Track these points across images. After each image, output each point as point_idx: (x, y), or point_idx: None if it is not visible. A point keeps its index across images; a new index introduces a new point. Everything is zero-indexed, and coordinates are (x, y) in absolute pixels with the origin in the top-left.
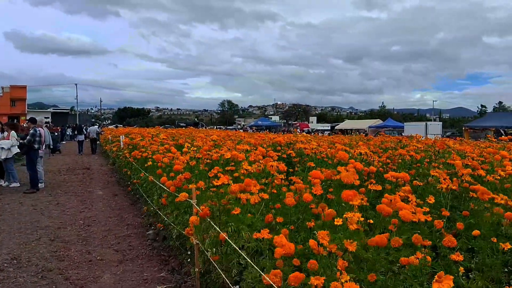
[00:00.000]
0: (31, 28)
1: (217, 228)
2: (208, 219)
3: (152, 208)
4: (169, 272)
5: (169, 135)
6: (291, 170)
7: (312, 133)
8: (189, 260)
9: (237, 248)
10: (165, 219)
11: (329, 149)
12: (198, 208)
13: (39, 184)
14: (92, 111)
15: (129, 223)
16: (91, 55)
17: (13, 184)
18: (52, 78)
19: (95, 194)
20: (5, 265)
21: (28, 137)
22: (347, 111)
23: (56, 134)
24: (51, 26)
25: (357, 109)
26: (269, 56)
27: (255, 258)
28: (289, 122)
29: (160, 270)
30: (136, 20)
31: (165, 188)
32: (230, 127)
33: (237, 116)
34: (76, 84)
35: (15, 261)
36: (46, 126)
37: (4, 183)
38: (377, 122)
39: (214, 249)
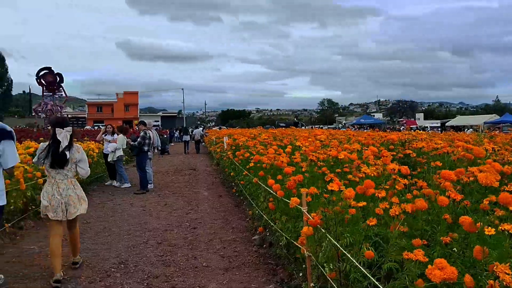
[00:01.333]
0: (140, 37)
1: (333, 240)
2: (323, 230)
3: (257, 212)
4: (278, 284)
5: (271, 135)
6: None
7: (421, 131)
8: (300, 274)
9: (366, 272)
10: (272, 224)
11: (449, 147)
12: (309, 216)
13: (149, 185)
14: (198, 113)
15: (234, 226)
16: (196, 60)
17: (125, 185)
18: (161, 83)
19: (200, 195)
20: (113, 270)
21: (138, 139)
22: (457, 107)
23: (165, 136)
24: (158, 34)
25: (467, 104)
26: (369, 52)
27: (388, 281)
28: (394, 120)
29: (268, 282)
30: (237, 24)
31: (272, 191)
32: (331, 126)
33: (337, 115)
34: (182, 89)
35: (122, 265)
36: (155, 128)
37: (117, 183)
38: (493, 117)
39: (331, 264)
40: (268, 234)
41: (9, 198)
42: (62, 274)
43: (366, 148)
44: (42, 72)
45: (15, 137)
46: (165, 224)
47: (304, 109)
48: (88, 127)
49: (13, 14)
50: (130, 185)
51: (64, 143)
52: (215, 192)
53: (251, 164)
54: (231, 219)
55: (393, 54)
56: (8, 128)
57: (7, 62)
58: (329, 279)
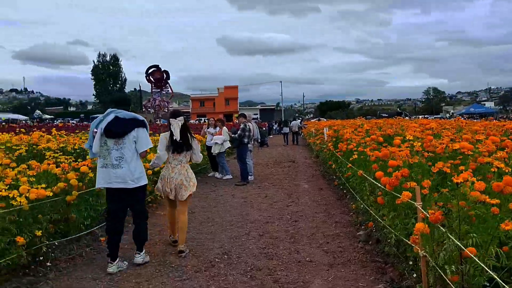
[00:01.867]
0: (239, 32)
1: (456, 241)
2: (442, 228)
3: (362, 206)
4: (388, 284)
5: (374, 125)
6: None
7: None
8: (414, 274)
9: (495, 276)
10: (379, 220)
11: None
12: (425, 212)
13: (249, 177)
14: (296, 106)
15: (337, 220)
16: (294, 52)
17: (227, 177)
18: (259, 77)
19: (301, 188)
20: (217, 260)
21: (239, 131)
22: None
23: (264, 129)
24: (256, 29)
25: None
26: (477, 37)
27: None
28: (507, 108)
29: (377, 281)
30: (335, 14)
31: (379, 185)
32: (437, 116)
33: (444, 104)
34: (280, 82)
35: (225, 256)
36: (254, 121)
37: (219, 175)
38: None
39: (452, 266)
40: (374, 230)
41: None
42: (184, 246)
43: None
44: (150, 70)
45: (147, 126)
46: (266, 216)
47: (407, 99)
48: (192, 121)
49: (124, 20)
50: (231, 177)
51: (176, 132)
52: (315, 185)
53: (355, 156)
54: (333, 212)
55: (504, 38)
56: (141, 117)
57: (120, 62)
58: (449, 282)
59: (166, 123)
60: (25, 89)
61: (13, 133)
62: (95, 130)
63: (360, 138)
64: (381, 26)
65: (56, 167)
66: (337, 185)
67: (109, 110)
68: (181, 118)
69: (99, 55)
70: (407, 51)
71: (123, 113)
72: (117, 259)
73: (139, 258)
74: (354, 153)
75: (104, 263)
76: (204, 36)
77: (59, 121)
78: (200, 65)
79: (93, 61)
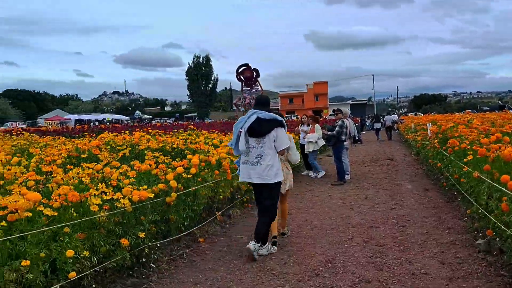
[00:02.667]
0: (327, 27)
1: None
2: None
3: (479, 211)
4: None
5: (484, 120)
6: None
7: None
8: None
9: None
10: (504, 229)
11: None
12: None
13: (346, 176)
14: (388, 100)
15: (450, 226)
16: (385, 45)
17: (320, 174)
18: (349, 71)
19: (403, 188)
20: (320, 268)
21: (337, 128)
22: None
23: (356, 125)
24: (345, 22)
25: None
26: None
27: None
28: None
29: None
30: (428, 3)
31: (504, 189)
32: None
33: None
34: (372, 75)
35: (329, 264)
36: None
37: (313, 174)
38: None
39: None
40: (495, 238)
41: (218, 187)
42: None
43: None
44: (241, 69)
45: (285, 125)
46: (369, 220)
47: (509, 91)
48: None
49: (215, 21)
50: (324, 172)
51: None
52: (419, 185)
53: (469, 157)
54: (444, 217)
55: None
56: (279, 118)
57: (211, 62)
58: None
59: None
60: (126, 91)
61: (116, 133)
62: (240, 130)
63: (474, 135)
64: (478, 13)
65: (156, 167)
66: (445, 186)
67: (252, 111)
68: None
69: (194, 57)
70: (508, 40)
71: (264, 114)
72: (267, 243)
73: (264, 250)
74: (469, 152)
75: (205, 266)
76: (292, 31)
77: (156, 120)
78: (288, 62)
79: (188, 63)
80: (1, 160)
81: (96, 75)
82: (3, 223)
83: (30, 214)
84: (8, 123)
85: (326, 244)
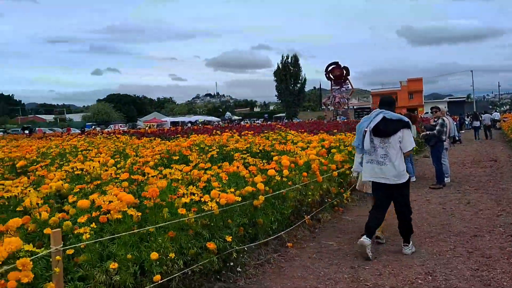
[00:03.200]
0: (421, 21)
1: None
2: None
3: None
4: None
5: None
6: None
7: None
8: None
9: None
10: None
11: None
12: None
13: (445, 179)
14: (489, 97)
15: None
16: (484, 38)
17: (412, 179)
18: (445, 67)
19: (510, 192)
20: (419, 281)
21: (437, 127)
22: None
23: (455, 123)
24: (439, 15)
25: None
26: None
27: None
28: None
29: None
30: None
31: None
32: None
33: None
34: (471, 71)
35: (430, 277)
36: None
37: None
38: None
39: None
40: None
41: (306, 190)
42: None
43: None
44: (330, 67)
45: (411, 127)
46: (473, 228)
47: None
48: None
49: (302, 19)
50: (414, 179)
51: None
52: None
53: None
54: None
55: None
56: (405, 119)
57: (299, 62)
58: None
59: (346, 120)
60: (217, 93)
61: (206, 134)
62: (366, 129)
63: None
64: None
65: (246, 168)
66: None
67: (377, 110)
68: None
69: (282, 57)
70: None
71: (390, 114)
72: (410, 243)
73: (407, 250)
74: None
75: (293, 273)
76: (383, 27)
77: (246, 121)
78: (380, 58)
79: (277, 64)
80: (99, 161)
81: (190, 79)
82: (93, 224)
83: (120, 216)
84: (111, 125)
85: (425, 254)
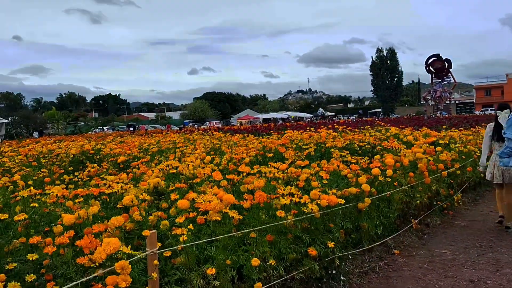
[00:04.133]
0: None
1: None
2: None
3: None
4: None
5: None
6: None
7: None
8: None
9: None
10: None
11: None
12: None
13: None
14: None
15: None
16: None
17: None
18: None
19: None
20: None
21: None
22: None
23: None
24: None
25: None
26: None
27: None
28: None
29: None
30: None
31: None
32: None
33: None
34: None
35: None
36: None
37: None
38: None
39: None
40: None
41: (414, 192)
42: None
43: None
44: (430, 60)
45: None
46: None
47: None
48: (476, 112)
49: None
50: None
51: (503, 122)
52: None
53: None
54: None
55: None
56: None
57: (396, 55)
58: None
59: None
60: (309, 90)
61: (302, 130)
62: None
63: None
64: None
65: (347, 167)
66: None
67: None
68: (507, 110)
69: (377, 50)
70: None
71: None
72: None
73: None
74: None
75: (403, 285)
76: (484, 17)
77: (339, 117)
78: (483, 50)
79: (372, 57)
80: (192, 162)
81: (281, 75)
82: (190, 226)
83: (219, 218)
84: (207, 122)
85: None
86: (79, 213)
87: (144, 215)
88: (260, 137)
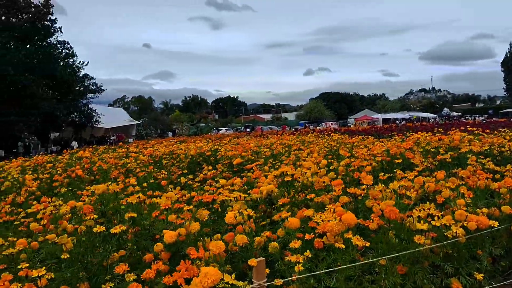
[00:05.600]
0: None
1: None
2: None
3: None
4: None
5: None
6: None
7: None
8: None
9: None
10: None
11: None
12: None
13: None
14: None
15: None
16: None
17: None
18: None
19: None
20: None
21: None
22: None
23: None
24: None
25: None
26: None
27: None
28: None
29: None
30: None
31: None
32: None
33: None
34: None
35: None
36: None
37: None
38: None
39: None
40: None
41: None
42: None
43: None
44: None
45: None
46: None
47: None
48: None
49: None
50: None
51: None
52: None
53: None
54: None
55: None
56: None
57: None
58: None
59: None
60: (433, 88)
61: (430, 132)
62: None
63: None
64: None
65: (493, 180)
66: None
67: None
68: None
69: (510, 45)
70: None
71: None
72: None
73: None
74: None
75: None
76: None
77: (467, 117)
78: None
79: (506, 53)
80: (310, 168)
81: (401, 74)
82: (308, 253)
83: (343, 246)
84: (323, 123)
85: None
86: (180, 231)
87: (249, 231)
88: (382, 139)
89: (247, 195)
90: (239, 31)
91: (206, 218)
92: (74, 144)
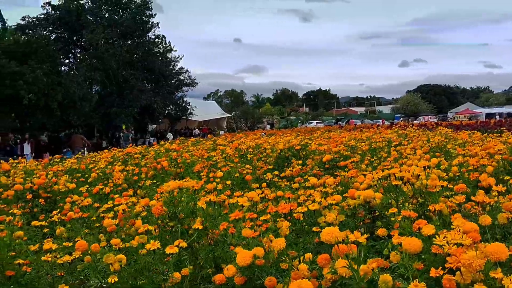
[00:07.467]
0: None
1: None
2: None
3: None
4: None
5: None
6: None
7: None
8: None
9: None
10: None
11: None
12: None
13: None
14: None
15: None
16: None
17: None
18: None
19: None
20: None
21: None
22: None
23: None
24: None
25: None
26: None
27: None
28: None
29: None
30: None
31: None
32: None
33: None
34: None
35: None
36: None
37: None
38: None
39: None
40: None
41: None
42: None
43: None
44: None
45: None
46: None
47: None
48: None
49: None
50: None
51: None
52: None
53: None
54: None
55: None
56: None
57: None
58: None
59: None
60: None
61: None
62: None
63: None
64: None
65: None
66: None
67: None
68: None
69: None
70: None
71: None
72: None
73: None
74: None
75: None
76: None
77: None
78: None
79: None
80: (424, 168)
81: (505, 65)
82: None
83: (483, 286)
84: (420, 117)
85: None
86: (256, 252)
87: (356, 257)
88: (490, 134)
89: (341, 198)
90: (330, 23)
91: (288, 232)
92: (170, 136)
